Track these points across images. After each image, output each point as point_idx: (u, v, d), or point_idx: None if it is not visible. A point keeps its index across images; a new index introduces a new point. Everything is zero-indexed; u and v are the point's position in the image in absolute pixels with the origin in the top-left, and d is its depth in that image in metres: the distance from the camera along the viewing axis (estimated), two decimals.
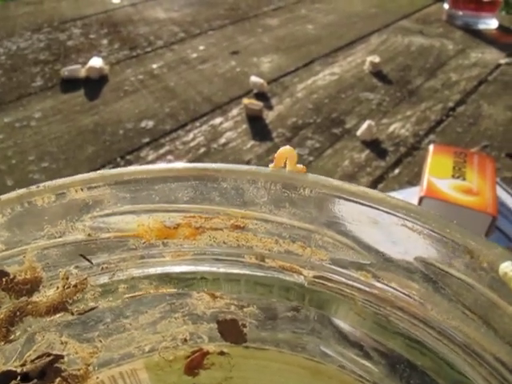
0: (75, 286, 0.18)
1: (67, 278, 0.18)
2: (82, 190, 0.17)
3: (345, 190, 0.17)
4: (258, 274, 0.20)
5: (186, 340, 0.23)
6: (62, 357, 0.21)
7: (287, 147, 0.19)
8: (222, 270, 0.20)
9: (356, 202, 0.17)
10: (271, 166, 0.19)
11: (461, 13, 0.98)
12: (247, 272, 0.20)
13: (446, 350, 0.16)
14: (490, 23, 0.97)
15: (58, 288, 0.18)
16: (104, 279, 0.19)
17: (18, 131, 0.63)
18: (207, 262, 0.20)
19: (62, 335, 0.20)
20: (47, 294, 0.18)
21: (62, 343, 0.21)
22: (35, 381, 0.19)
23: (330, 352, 0.22)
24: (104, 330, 0.21)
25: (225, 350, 0.23)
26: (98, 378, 0.23)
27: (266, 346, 0.23)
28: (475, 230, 0.42)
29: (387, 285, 0.18)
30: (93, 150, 0.59)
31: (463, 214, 0.43)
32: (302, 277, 0.19)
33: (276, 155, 0.19)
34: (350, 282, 0.18)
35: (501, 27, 0.97)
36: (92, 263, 0.19)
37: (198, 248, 0.20)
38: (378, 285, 0.18)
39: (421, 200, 0.44)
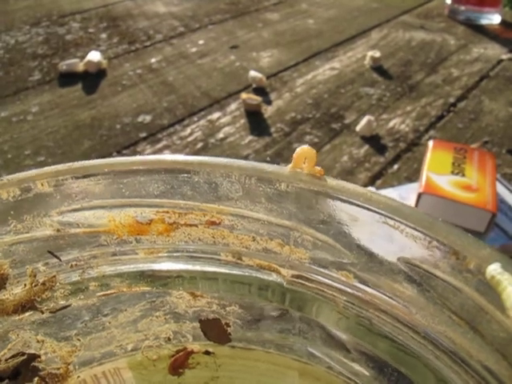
0: (43, 283, 0.17)
1: (35, 276, 0.17)
2: (48, 183, 0.17)
3: (323, 184, 0.16)
4: (236, 272, 0.19)
5: (169, 339, 0.22)
6: (37, 356, 0.20)
7: (306, 147, 0.18)
8: (198, 267, 0.19)
9: (336, 198, 0.16)
10: (289, 166, 0.18)
11: (463, 8, 0.97)
12: (224, 270, 0.19)
13: (431, 356, 0.16)
14: (493, 18, 0.96)
15: (25, 286, 0.17)
16: (74, 277, 0.18)
17: (15, 125, 0.62)
18: (182, 259, 0.19)
19: (38, 334, 0.20)
20: (14, 292, 0.17)
21: (38, 342, 0.20)
22: (6, 381, 0.19)
23: (318, 353, 0.21)
24: (82, 328, 0.21)
25: (210, 350, 0.23)
26: (79, 377, 0.22)
27: (252, 345, 0.22)
28: (474, 227, 0.42)
29: (370, 286, 0.17)
30: (89, 145, 0.59)
31: (462, 210, 0.42)
32: (281, 276, 0.19)
33: (294, 155, 0.18)
34: (331, 283, 0.17)
35: (504, 23, 0.96)
36: (61, 260, 0.18)
37: (172, 245, 0.19)
38: (361, 286, 0.17)
39: (419, 196, 0.44)
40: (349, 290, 0.17)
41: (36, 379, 0.20)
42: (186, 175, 0.17)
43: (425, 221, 0.15)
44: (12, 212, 0.17)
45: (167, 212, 0.18)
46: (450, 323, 0.15)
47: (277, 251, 0.18)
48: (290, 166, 0.18)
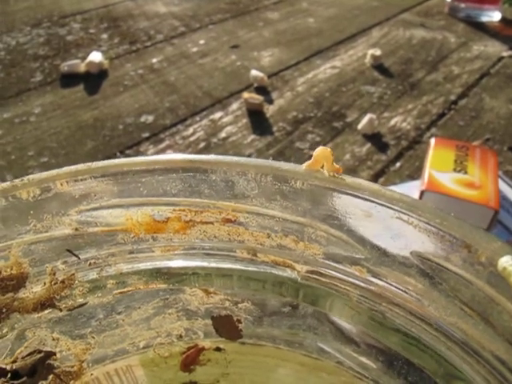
0: (62, 281, 0.18)
1: (54, 274, 0.18)
2: (67, 183, 0.17)
3: (338, 181, 0.17)
4: (251, 269, 0.19)
5: (181, 336, 0.23)
6: (53, 353, 0.20)
7: (323, 148, 0.18)
8: (213, 264, 0.19)
9: (349, 194, 0.17)
10: (305, 164, 0.18)
11: (463, 5, 0.97)
12: (239, 267, 0.19)
13: (443, 348, 0.16)
14: (493, 16, 0.96)
15: (44, 284, 0.18)
16: (92, 275, 0.19)
17: (18, 127, 0.62)
18: (198, 256, 0.19)
19: (54, 331, 0.20)
20: (34, 290, 0.18)
21: (53, 339, 0.20)
22: (25, 378, 0.19)
23: (328, 348, 0.21)
24: (96, 326, 0.21)
25: (221, 346, 0.23)
26: (92, 374, 0.22)
27: (263, 342, 0.23)
28: (477, 224, 0.42)
29: (383, 280, 0.17)
30: (92, 145, 0.59)
31: (465, 207, 0.43)
32: (296, 272, 0.19)
33: (314, 156, 0.18)
34: (345, 278, 0.18)
35: (504, 20, 0.96)
36: (79, 258, 0.18)
37: (188, 242, 0.19)
38: (374, 280, 0.17)
39: (422, 194, 0.44)
40: (362, 284, 0.18)
41: (51, 376, 0.21)
42: (203, 174, 0.18)
43: (437, 215, 0.15)
44: (32, 212, 0.17)
45: (183, 210, 0.18)
46: (461, 315, 0.15)
47: (291, 247, 0.19)
48: (307, 164, 0.18)
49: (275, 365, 0.24)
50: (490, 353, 0.14)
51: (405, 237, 0.16)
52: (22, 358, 0.19)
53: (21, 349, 0.19)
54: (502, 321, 0.14)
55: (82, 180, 0.17)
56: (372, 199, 0.16)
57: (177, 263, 0.20)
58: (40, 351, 0.20)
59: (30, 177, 0.17)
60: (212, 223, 0.19)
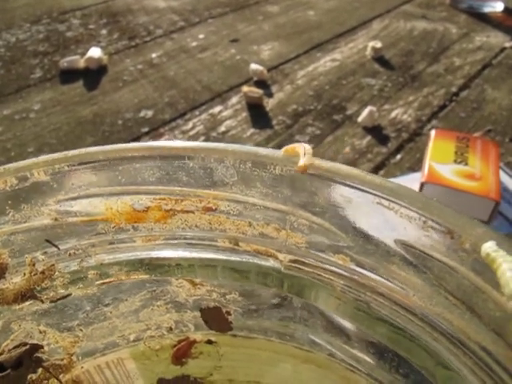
0: (42, 272, 0.17)
1: (34, 265, 0.17)
2: (44, 172, 0.17)
3: (317, 166, 0.16)
4: (233, 259, 0.19)
5: (171, 329, 0.23)
6: (40, 346, 0.20)
7: (300, 144, 0.18)
8: (195, 254, 0.19)
9: (329, 180, 0.16)
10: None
11: None
12: (222, 257, 0.19)
13: (429, 339, 0.15)
14: (496, 6, 0.95)
15: (24, 275, 0.17)
16: (73, 265, 0.18)
17: (18, 123, 0.62)
18: (180, 246, 0.19)
19: (40, 324, 0.20)
20: (14, 281, 0.17)
21: (40, 332, 0.20)
22: (9, 371, 0.19)
23: (319, 340, 0.21)
24: (84, 318, 0.21)
25: (212, 339, 0.23)
26: (82, 367, 0.22)
27: (254, 334, 0.22)
28: (478, 216, 0.41)
29: (366, 269, 0.17)
30: (92, 141, 0.59)
31: (465, 199, 0.42)
32: (279, 261, 0.18)
33: (293, 146, 0.18)
34: (328, 267, 0.17)
35: (507, 10, 0.95)
36: (59, 249, 0.18)
37: (169, 232, 0.19)
38: (357, 269, 0.17)
39: (422, 186, 0.44)
40: (346, 273, 0.17)
41: (40, 370, 0.20)
42: (180, 161, 0.17)
43: (419, 201, 0.15)
44: (9, 201, 0.17)
45: (164, 199, 0.18)
46: (446, 304, 0.15)
47: (273, 236, 0.18)
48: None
49: (268, 357, 0.23)
50: (477, 344, 0.14)
51: (386, 223, 0.15)
52: (9, 350, 0.19)
53: (7, 342, 0.19)
54: (488, 310, 0.13)
55: (59, 169, 0.17)
56: (352, 184, 0.16)
57: (159, 253, 0.19)
58: (25, 344, 0.20)
59: (6, 166, 0.16)
60: (193, 212, 0.18)
